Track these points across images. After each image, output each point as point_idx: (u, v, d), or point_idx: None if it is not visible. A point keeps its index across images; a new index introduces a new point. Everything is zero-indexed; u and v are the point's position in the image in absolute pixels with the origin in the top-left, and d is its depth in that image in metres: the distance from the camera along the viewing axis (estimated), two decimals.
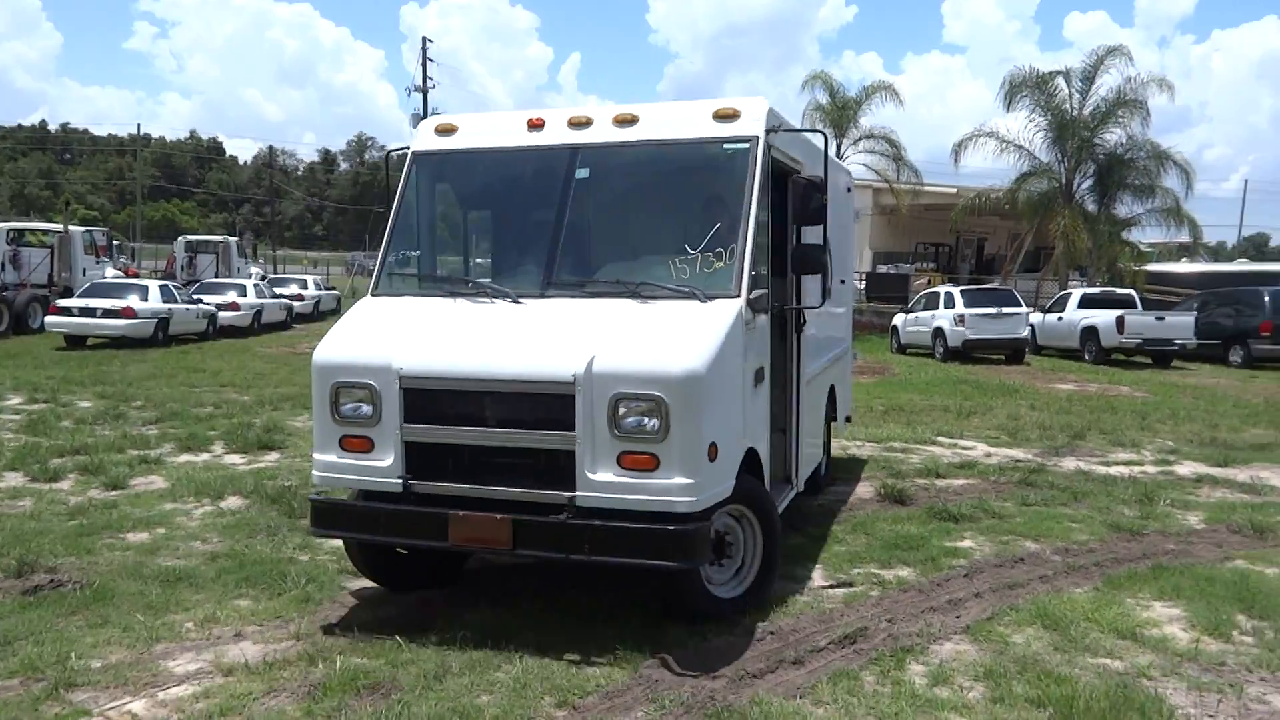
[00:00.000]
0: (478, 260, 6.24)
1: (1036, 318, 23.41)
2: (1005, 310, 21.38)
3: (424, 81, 42.39)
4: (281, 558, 6.03)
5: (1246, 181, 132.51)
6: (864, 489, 8.28)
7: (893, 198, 32.47)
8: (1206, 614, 5.18)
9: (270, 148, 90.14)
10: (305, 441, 10.07)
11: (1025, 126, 29.05)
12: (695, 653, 4.59)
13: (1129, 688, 4.19)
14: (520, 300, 5.23)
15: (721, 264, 5.11)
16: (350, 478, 5.02)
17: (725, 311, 4.88)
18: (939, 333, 21.83)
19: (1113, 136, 28.35)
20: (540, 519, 4.60)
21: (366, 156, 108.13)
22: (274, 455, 9.45)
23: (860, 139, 31.89)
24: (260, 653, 4.55)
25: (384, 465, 4.88)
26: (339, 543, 6.37)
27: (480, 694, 4.11)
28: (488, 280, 5.60)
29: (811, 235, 5.88)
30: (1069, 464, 9.70)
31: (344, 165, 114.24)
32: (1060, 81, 28.38)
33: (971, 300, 21.72)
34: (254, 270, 35.54)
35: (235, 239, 37.11)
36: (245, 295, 25.62)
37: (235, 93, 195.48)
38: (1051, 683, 4.24)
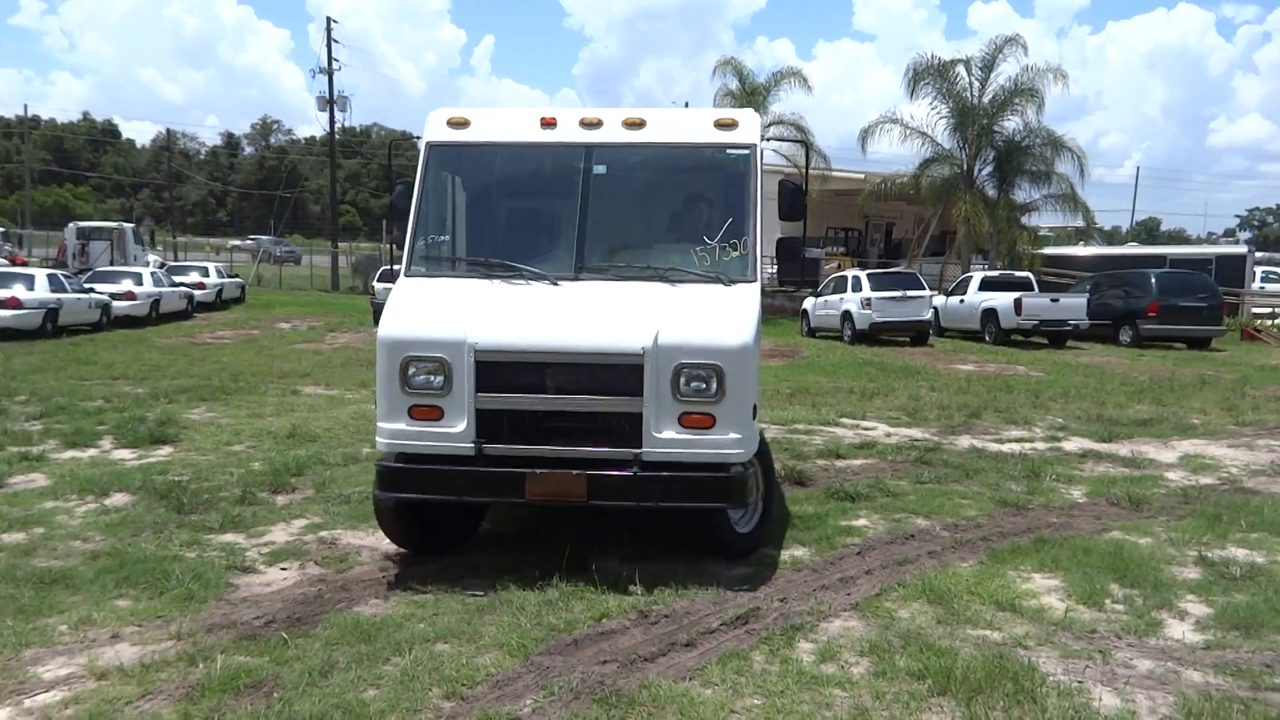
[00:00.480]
0: (497, 245, 6.47)
1: (940, 300, 24.03)
2: (910, 293, 21.90)
3: (329, 63, 41.18)
4: (166, 555, 5.82)
5: (1139, 168, 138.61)
6: None
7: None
8: (1082, 584, 5.40)
9: (169, 130, 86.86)
10: (202, 434, 9.77)
11: (928, 113, 29.87)
12: (591, 637, 4.60)
13: (1005, 657, 4.35)
14: (557, 283, 5.78)
15: (737, 253, 5.94)
16: (420, 443, 5.36)
17: (751, 294, 5.73)
18: (847, 316, 22.25)
19: (1011, 124, 29.33)
20: (615, 473, 5.20)
21: (272, 140, 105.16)
22: (166, 449, 9.13)
23: (770, 124, 32.19)
24: (137, 654, 4.39)
25: (456, 431, 5.30)
26: (230, 537, 6.26)
27: (366, 688, 4.05)
28: (524, 264, 5.96)
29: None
30: (964, 442, 9.99)
31: (249, 149, 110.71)
32: (961, 70, 29.19)
33: (878, 284, 22.19)
34: (151, 258, 34.26)
35: (131, 225, 35.66)
36: (141, 284, 24.67)
37: (131, 73, 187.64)
38: (932, 655, 4.37)
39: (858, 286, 22.23)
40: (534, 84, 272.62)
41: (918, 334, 22.09)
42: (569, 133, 6.16)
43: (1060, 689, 4.07)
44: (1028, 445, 9.86)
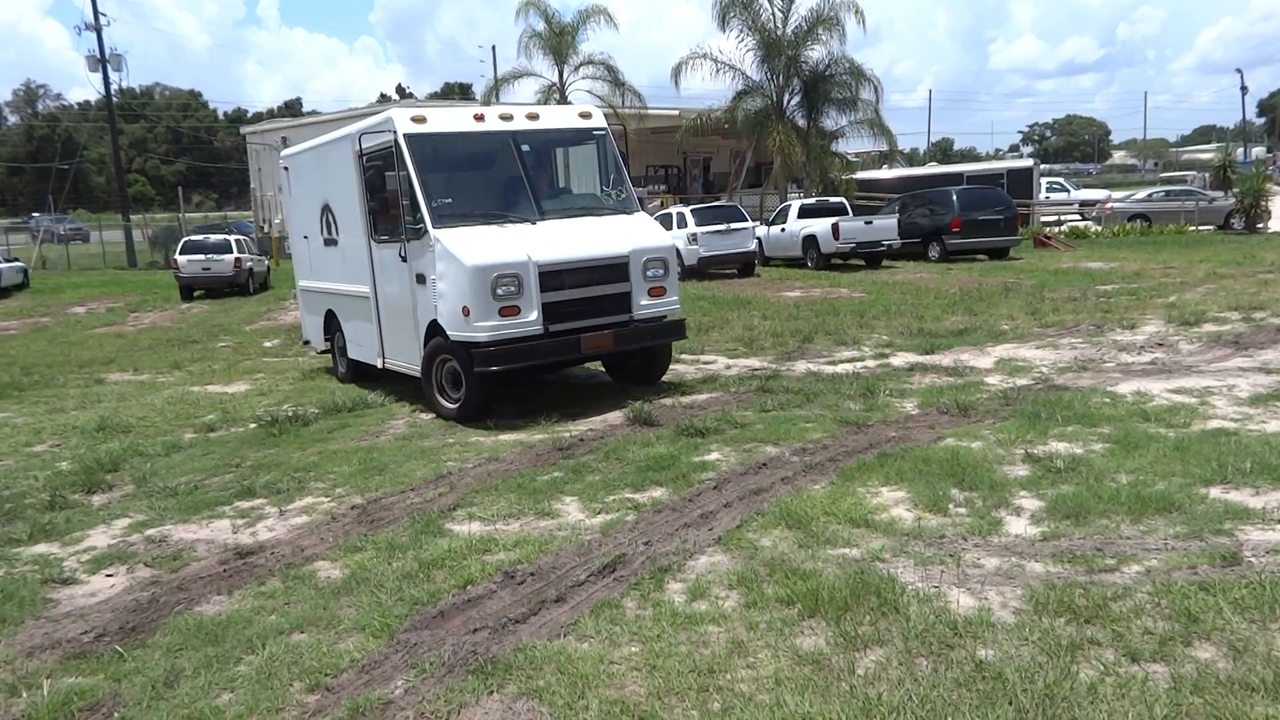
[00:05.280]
0: (475, 201, 8.86)
1: (762, 230, 24.59)
2: (734, 226, 22.25)
3: (96, 18, 37.48)
4: None
5: (931, 91, 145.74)
6: (613, 415, 8.37)
7: (618, 122, 32.77)
8: (926, 492, 5.64)
9: None
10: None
11: (737, 47, 30.15)
12: (457, 606, 4.44)
13: (865, 573, 4.48)
14: (535, 222, 8.52)
15: (624, 194, 9.41)
16: (508, 331, 8.01)
17: (647, 217, 9.39)
18: (675, 253, 22.37)
19: (815, 54, 29.97)
20: (623, 329, 8.59)
21: (39, 107, 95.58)
22: None
23: (581, 65, 31.86)
24: None
25: (530, 319, 8.09)
26: (42, 548, 5.71)
27: (219, 694, 3.75)
28: (504, 213, 8.65)
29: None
30: (800, 367, 10.29)
31: (12, 118, 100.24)
32: (764, 1, 29.55)
33: (703, 219, 22.41)
34: None
35: None
36: None
37: None
38: (798, 579, 4.45)
39: (683, 223, 22.40)
40: (330, 32, 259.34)
41: (744, 265, 22.52)
42: (494, 124, 8.84)
43: (920, 596, 4.23)
44: (859, 364, 10.24)
